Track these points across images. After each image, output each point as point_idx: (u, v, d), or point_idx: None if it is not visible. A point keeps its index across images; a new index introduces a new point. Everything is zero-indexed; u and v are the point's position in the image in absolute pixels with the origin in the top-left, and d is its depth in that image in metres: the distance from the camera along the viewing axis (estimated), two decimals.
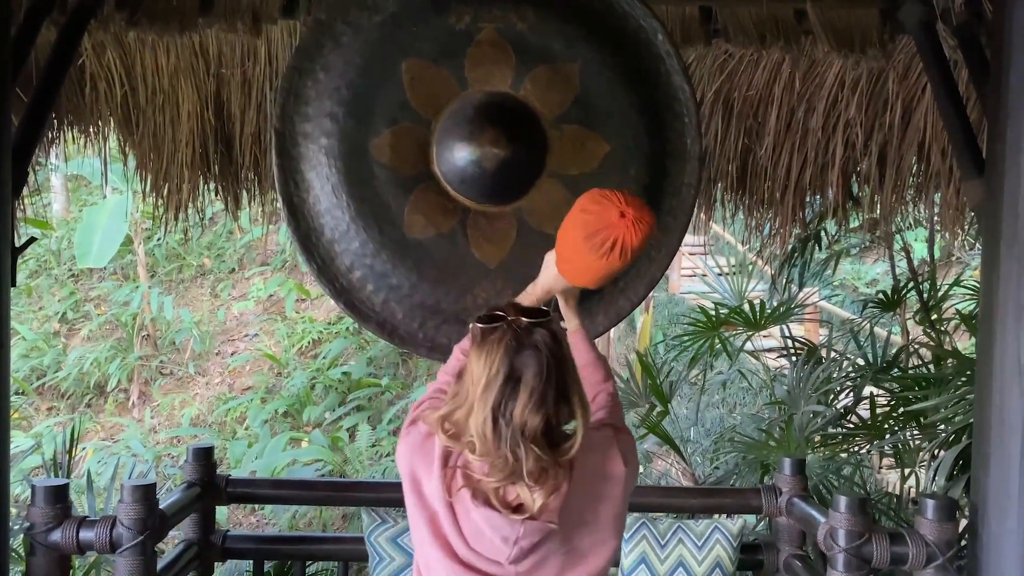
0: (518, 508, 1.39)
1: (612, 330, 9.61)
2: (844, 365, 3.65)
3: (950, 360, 3.06)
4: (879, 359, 3.55)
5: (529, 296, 1.81)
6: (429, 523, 1.45)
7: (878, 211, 3.35)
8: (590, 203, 1.71)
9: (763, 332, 4.16)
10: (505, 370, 1.37)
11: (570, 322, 1.86)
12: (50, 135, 3.05)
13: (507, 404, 1.36)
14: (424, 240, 2.04)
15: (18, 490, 5.69)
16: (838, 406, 3.48)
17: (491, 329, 1.43)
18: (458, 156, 1.99)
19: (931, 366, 3.36)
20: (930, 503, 1.99)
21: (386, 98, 2.02)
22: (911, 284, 3.87)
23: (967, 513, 2.04)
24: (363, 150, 2.02)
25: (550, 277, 1.79)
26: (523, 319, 1.43)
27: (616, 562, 2.52)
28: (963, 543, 2.08)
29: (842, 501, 2.03)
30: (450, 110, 2.03)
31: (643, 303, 9.02)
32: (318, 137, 2.04)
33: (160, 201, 3.31)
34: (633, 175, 2.08)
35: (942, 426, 2.75)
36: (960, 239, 3.79)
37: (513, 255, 2.03)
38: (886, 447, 3.37)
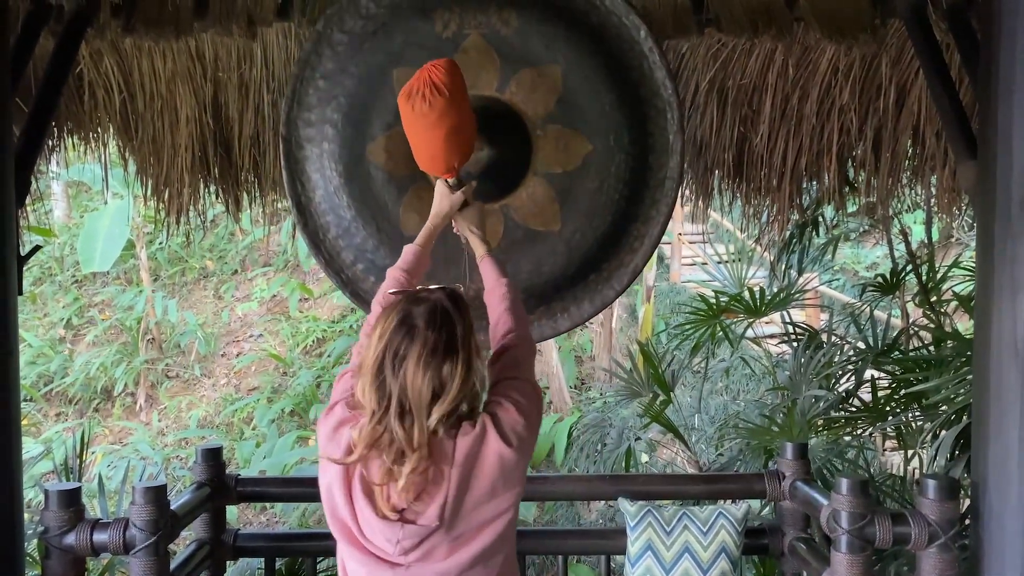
0: (402, 511, 1.44)
1: (614, 320, 9.64)
2: (845, 349, 3.66)
3: (949, 341, 3.07)
4: (879, 342, 3.56)
5: (427, 231, 1.93)
6: (331, 512, 1.52)
7: (875, 195, 3.37)
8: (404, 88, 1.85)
9: (764, 318, 4.18)
10: (399, 316, 1.44)
11: (477, 249, 1.95)
12: (50, 143, 3.07)
13: (399, 351, 1.41)
14: None
15: (31, 495, 5.74)
16: (840, 390, 3.49)
17: (398, 293, 1.57)
18: None
19: (931, 348, 3.37)
20: (931, 483, 2.01)
21: (380, 104, 2.12)
22: (910, 267, 3.88)
23: (969, 492, 2.06)
24: (360, 154, 2.14)
25: (436, 198, 1.95)
26: (425, 288, 1.55)
27: (622, 550, 2.55)
28: (966, 522, 2.10)
29: (844, 484, 2.05)
30: None
31: (645, 293, 9.06)
32: (320, 142, 2.16)
33: (161, 205, 3.33)
34: (614, 171, 2.16)
35: (943, 407, 2.76)
36: (958, 221, 3.80)
37: (500, 249, 2.12)
38: (888, 429, 3.39)
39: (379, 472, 1.43)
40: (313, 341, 9.87)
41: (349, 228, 2.19)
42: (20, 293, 2.03)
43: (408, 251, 1.90)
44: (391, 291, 1.64)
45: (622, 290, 2.29)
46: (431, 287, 1.55)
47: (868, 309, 3.79)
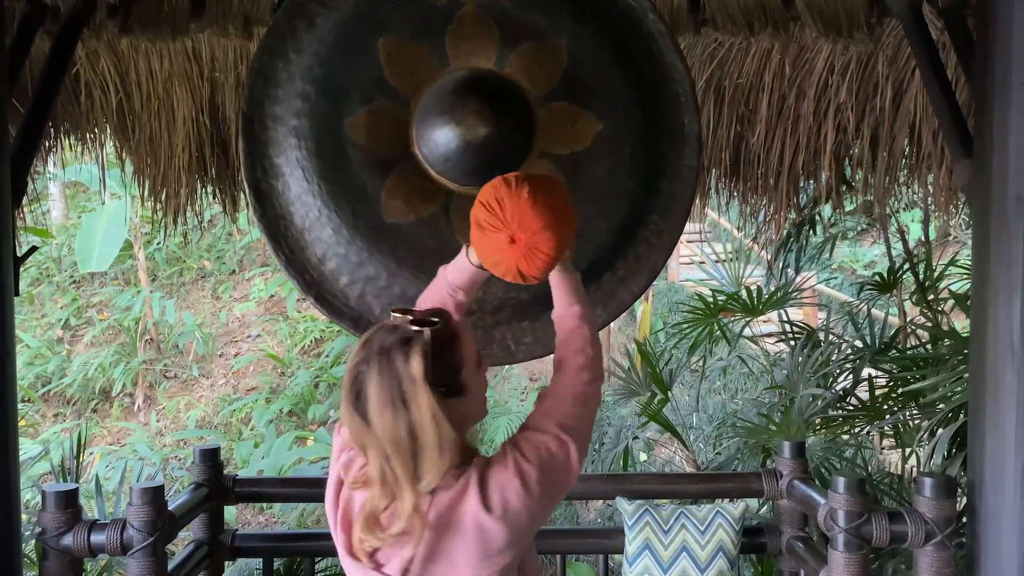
0: (373, 552, 1.31)
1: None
2: (842, 347, 3.67)
3: (946, 339, 3.08)
4: (877, 341, 3.57)
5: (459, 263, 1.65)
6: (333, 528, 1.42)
7: (872, 194, 3.37)
8: (483, 213, 1.52)
9: (762, 317, 4.19)
10: (376, 346, 1.27)
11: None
12: (47, 143, 3.07)
13: (363, 388, 1.26)
14: (403, 225, 1.92)
15: (28, 496, 5.73)
16: (837, 388, 3.50)
17: (399, 311, 1.35)
18: (440, 134, 1.87)
19: (928, 346, 3.37)
20: (927, 481, 2.01)
21: (362, 76, 1.90)
22: (907, 265, 3.89)
23: (966, 490, 2.07)
24: (336, 130, 1.89)
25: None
26: (406, 319, 1.31)
27: (619, 549, 2.55)
28: (962, 520, 2.10)
29: (841, 482, 2.06)
30: (430, 88, 1.91)
31: None
32: (288, 119, 1.91)
33: (158, 205, 3.32)
34: (628, 155, 1.97)
35: (940, 405, 2.77)
36: (955, 219, 3.81)
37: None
38: (886, 427, 3.40)
39: (364, 509, 1.29)
40: (311, 341, 9.88)
41: (319, 217, 1.90)
42: (17, 294, 2.03)
43: (466, 268, 1.64)
44: (392, 308, 1.39)
45: (639, 292, 2.07)
46: (421, 314, 1.33)
47: (865, 307, 3.80)
